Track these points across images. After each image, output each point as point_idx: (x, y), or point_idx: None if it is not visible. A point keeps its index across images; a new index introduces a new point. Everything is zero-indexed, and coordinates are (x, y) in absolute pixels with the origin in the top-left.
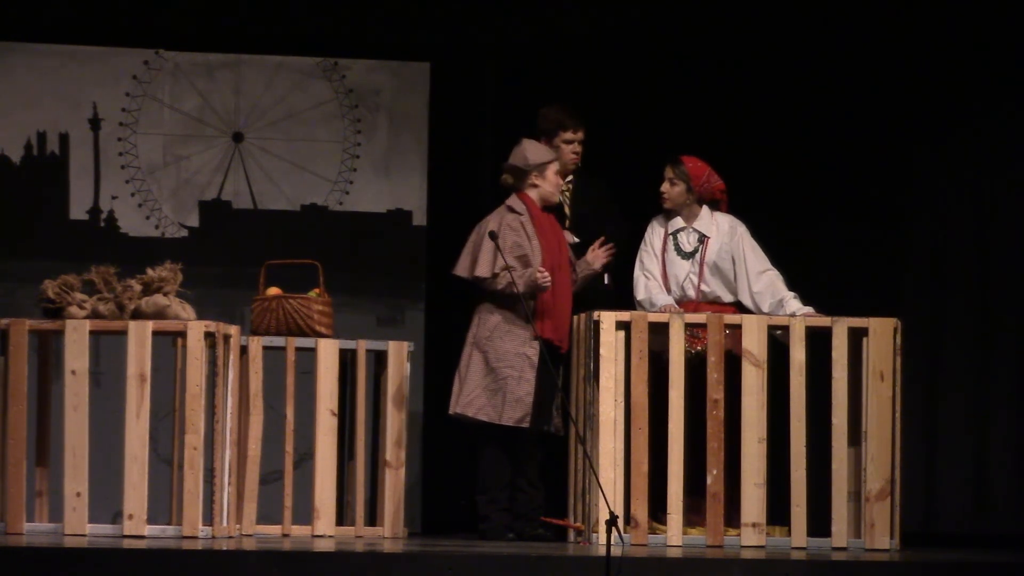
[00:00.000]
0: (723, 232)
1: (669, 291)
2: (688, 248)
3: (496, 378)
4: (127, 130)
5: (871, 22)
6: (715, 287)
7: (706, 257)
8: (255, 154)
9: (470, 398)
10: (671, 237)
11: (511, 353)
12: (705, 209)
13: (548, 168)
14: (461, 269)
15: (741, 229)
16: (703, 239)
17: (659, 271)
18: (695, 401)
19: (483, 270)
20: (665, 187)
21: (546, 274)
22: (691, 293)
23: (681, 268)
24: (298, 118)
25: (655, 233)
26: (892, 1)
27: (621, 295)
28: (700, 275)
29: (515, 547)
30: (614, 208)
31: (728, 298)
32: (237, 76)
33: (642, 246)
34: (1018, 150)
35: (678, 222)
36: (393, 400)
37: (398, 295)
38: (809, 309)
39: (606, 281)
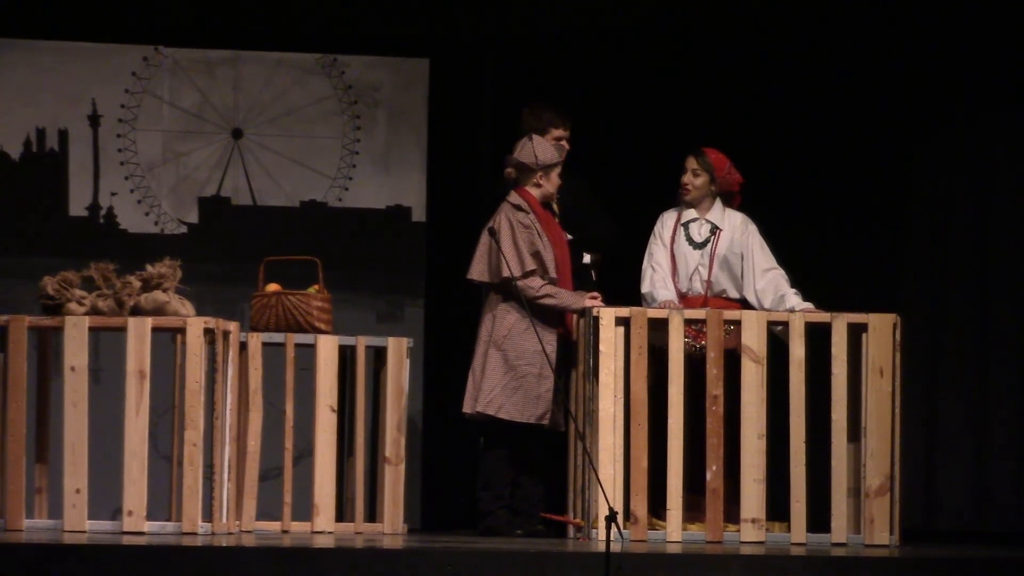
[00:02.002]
0: (735, 227)
1: (678, 282)
2: (699, 239)
3: (516, 376)
4: (126, 126)
5: (871, 20)
6: (723, 281)
7: (717, 249)
8: (254, 150)
9: (490, 397)
10: (682, 227)
11: (530, 351)
12: (719, 202)
13: (554, 170)
14: (476, 274)
15: (752, 227)
16: (715, 230)
17: (667, 262)
18: (695, 397)
19: (514, 269)
20: (688, 178)
21: (598, 299)
22: (699, 287)
23: (691, 258)
24: (297, 114)
25: (664, 226)
26: (892, 0)
27: (608, 291)
28: (710, 267)
29: (515, 543)
30: (596, 204)
31: (735, 294)
32: (236, 72)
33: (651, 239)
34: (1018, 150)
35: (691, 213)
36: (392, 396)
37: (397, 291)
38: (809, 305)
39: (594, 278)
